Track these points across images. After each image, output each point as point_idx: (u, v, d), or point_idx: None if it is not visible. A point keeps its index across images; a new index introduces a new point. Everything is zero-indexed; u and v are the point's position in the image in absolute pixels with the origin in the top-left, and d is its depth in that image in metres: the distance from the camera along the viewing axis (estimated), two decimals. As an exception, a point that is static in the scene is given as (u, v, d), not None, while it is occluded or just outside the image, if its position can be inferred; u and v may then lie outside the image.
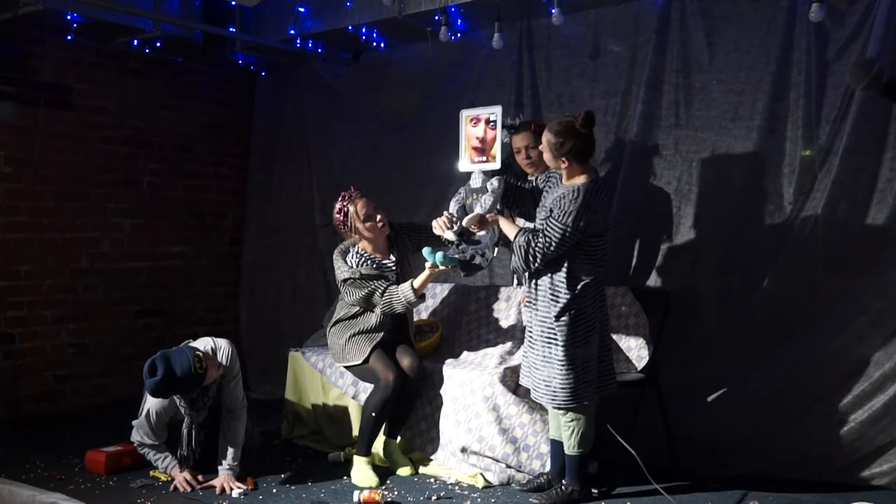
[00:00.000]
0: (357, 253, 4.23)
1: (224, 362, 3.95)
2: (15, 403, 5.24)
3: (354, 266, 4.16)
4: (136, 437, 3.97)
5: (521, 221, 4.12)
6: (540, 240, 3.46)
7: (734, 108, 4.26)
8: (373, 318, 4.17)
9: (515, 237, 3.56)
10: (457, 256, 3.88)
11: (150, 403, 3.91)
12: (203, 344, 3.95)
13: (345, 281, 4.16)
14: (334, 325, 4.32)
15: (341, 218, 4.22)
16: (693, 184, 4.37)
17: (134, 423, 3.97)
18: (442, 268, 3.90)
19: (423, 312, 4.83)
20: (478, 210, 3.73)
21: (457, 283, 4.90)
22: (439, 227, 3.83)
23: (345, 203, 4.21)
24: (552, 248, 3.44)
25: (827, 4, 3.90)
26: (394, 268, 4.24)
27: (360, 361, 4.15)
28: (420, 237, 4.30)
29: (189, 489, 3.82)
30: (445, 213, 3.86)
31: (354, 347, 4.18)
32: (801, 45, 4.07)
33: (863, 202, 3.92)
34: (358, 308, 4.21)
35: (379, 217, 4.21)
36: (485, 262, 3.91)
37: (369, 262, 4.20)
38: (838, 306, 3.95)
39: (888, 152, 3.88)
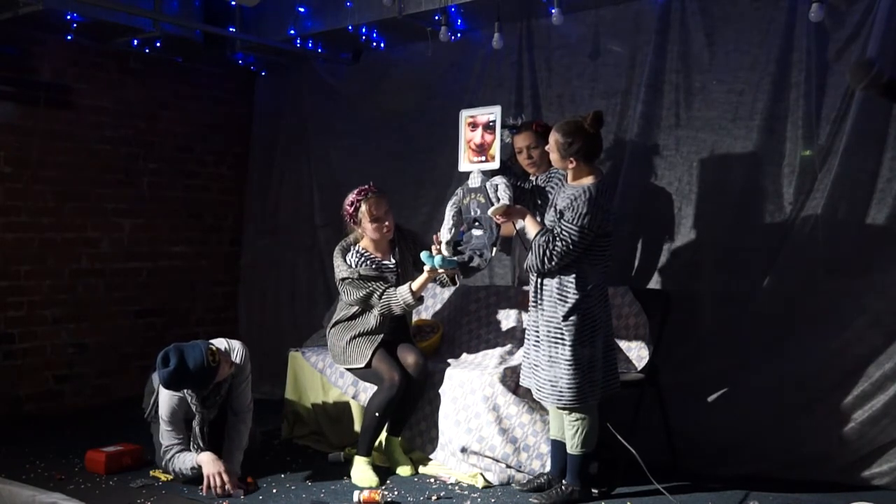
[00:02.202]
0: (357, 252, 4.21)
1: (237, 361, 3.96)
2: (15, 403, 5.24)
3: (354, 265, 4.15)
4: (165, 457, 3.89)
5: (520, 222, 4.12)
6: (559, 243, 3.45)
7: (734, 109, 4.26)
8: (371, 320, 4.16)
9: (536, 235, 3.56)
10: (455, 259, 3.90)
11: (162, 406, 3.88)
12: (217, 343, 3.95)
13: (343, 280, 4.14)
14: (334, 326, 4.31)
15: (351, 210, 4.17)
16: (693, 184, 4.37)
17: (161, 441, 3.91)
18: (441, 271, 3.91)
19: (423, 313, 4.83)
20: (505, 200, 3.72)
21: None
22: (436, 250, 3.95)
23: (360, 197, 4.16)
24: (571, 250, 3.45)
25: (827, 4, 3.90)
26: (394, 269, 4.23)
27: (362, 365, 4.14)
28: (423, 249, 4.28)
29: (223, 495, 3.72)
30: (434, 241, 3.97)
31: (356, 350, 4.17)
32: (801, 45, 4.07)
33: (863, 202, 3.92)
34: (357, 308, 4.20)
35: (387, 222, 4.17)
36: (483, 262, 3.92)
37: (369, 262, 4.18)
38: (838, 306, 3.95)
39: (888, 152, 3.88)
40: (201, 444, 3.86)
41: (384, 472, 4.07)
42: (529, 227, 3.65)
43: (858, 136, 3.90)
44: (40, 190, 5.35)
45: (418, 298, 4.07)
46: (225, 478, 3.73)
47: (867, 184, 3.92)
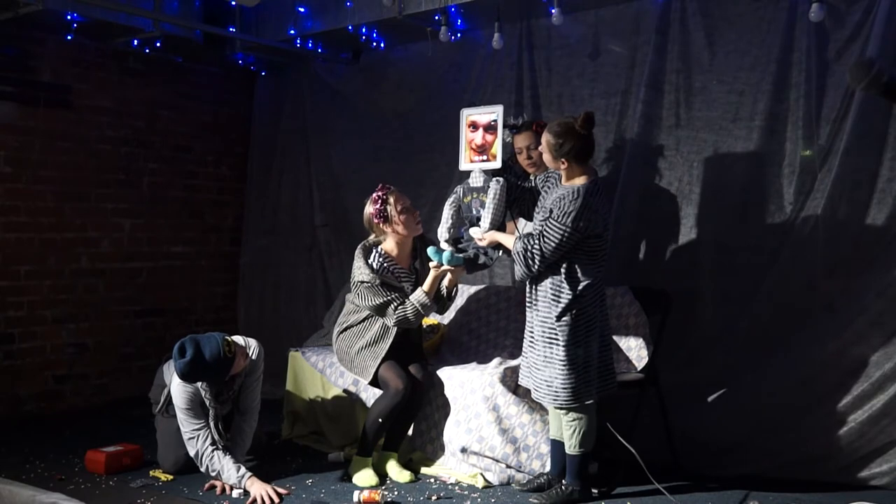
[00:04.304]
0: (380, 254, 4.09)
1: (253, 357, 3.97)
2: (15, 403, 5.24)
3: (376, 270, 4.03)
4: (194, 445, 3.81)
5: (521, 221, 4.12)
6: (538, 241, 3.46)
7: (734, 109, 4.26)
8: (376, 327, 4.09)
9: (513, 247, 3.57)
10: (461, 255, 3.89)
11: (176, 397, 3.84)
12: (234, 338, 3.95)
13: (361, 283, 4.01)
14: (344, 331, 4.21)
15: (379, 207, 4.05)
16: (694, 184, 4.37)
17: (183, 434, 3.86)
18: (447, 267, 3.90)
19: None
20: (487, 217, 3.76)
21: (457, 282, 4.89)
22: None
23: (383, 193, 4.08)
24: (552, 249, 3.45)
25: (827, 4, 3.90)
26: (412, 278, 4.14)
27: (367, 381, 4.09)
28: None
29: None
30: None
31: (361, 364, 4.11)
32: (801, 46, 4.07)
33: (863, 202, 3.93)
34: (366, 313, 4.12)
35: (417, 212, 4.12)
36: (489, 260, 3.93)
37: (389, 270, 4.08)
38: (838, 306, 3.95)
39: (888, 152, 3.89)
40: (216, 439, 3.84)
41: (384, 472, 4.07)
42: (505, 243, 3.69)
43: (858, 136, 3.90)
44: (40, 190, 5.35)
45: (433, 299, 4.02)
46: (273, 494, 3.68)
47: (867, 184, 3.92)
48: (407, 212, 4.08)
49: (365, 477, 3.92)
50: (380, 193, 4.09)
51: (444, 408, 4.13)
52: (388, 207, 4.06)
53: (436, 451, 4.16)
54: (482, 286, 4.85)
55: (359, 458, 4.02)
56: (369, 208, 4.11)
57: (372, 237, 4.19)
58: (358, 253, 4.10)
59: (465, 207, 3.97)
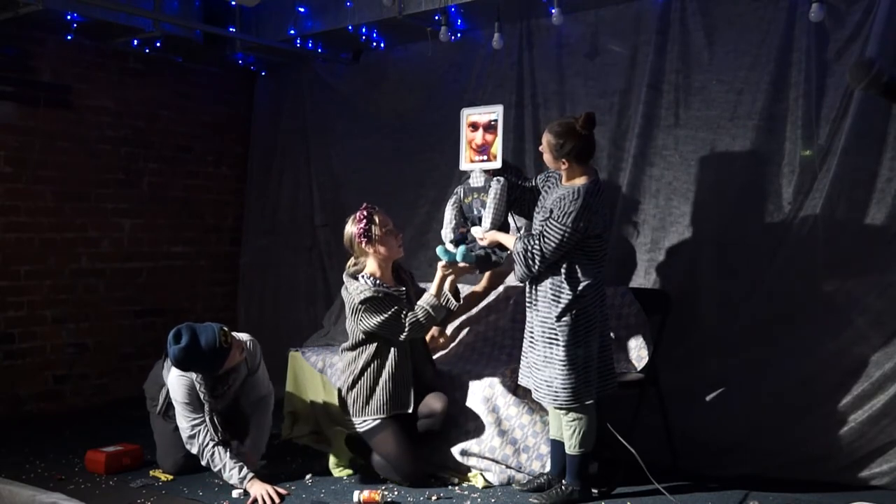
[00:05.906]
0: (365, 278, 3.92)
1: (248, 348, 3.98)
2: (15, 403, 5.25)
3: (371, 285, 3.86)
4: (196, 442, 3.79)
5: (521, 221, 4.13)
6: (539, 241, 3.46)
7: (734, 108, 4.26)
8: (391, 356, 3.89)
9: (514, 247, 3.56)
10: (473, 254, 3.87)
11: (174, 390, 3.83)
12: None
13: (365, 301, 3.80)
14: (356, 381, 3.94)
15: (364, 226, 3.89)
16: (692, 183, 4.37)
17: (183, 431, 3.83)
18: (462, 264, 3.86)
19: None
20: (488, 218, 3.76)
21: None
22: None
23: (367, 213, 3.92)
24: (552, 249, 3.45)
25: (827, 4, 3.90)
26: (403, 295, 3.99)
27: (411, 410, 3.89)
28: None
29: None
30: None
31: (393, 398, 3.87)
32: (800, 45, 4.07)
33: (862, 202, 3.92)
34: (377, 344, 3.90)
35: (399, 235, 4.01)
36: (501, 258, 3.92)
37: (383, 286, 3.90)
38: (838, 306, 3.95)
39: (888, 152, 3.88)
40: (213, 434, 3.82)
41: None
42: (505, 243, 3.69)
43: (858, 136, 3.90)
44: (40, 190, 5.35)
45: (444, 302, 3.90)
46: (273, 495, 3.67)
47: (867, 183, 3.92)
48: (391, 234, 3.94)
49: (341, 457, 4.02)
50: (364, 213, 3.93)
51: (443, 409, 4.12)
52: (373, 227, 3.90)
53: (435, 452, 4.15)
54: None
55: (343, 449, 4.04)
56: (352, 228, 3.94)
57: (351, 263, 4.03)
58: (347, 278, 3.94)
59: (467, 208, 3.97)
